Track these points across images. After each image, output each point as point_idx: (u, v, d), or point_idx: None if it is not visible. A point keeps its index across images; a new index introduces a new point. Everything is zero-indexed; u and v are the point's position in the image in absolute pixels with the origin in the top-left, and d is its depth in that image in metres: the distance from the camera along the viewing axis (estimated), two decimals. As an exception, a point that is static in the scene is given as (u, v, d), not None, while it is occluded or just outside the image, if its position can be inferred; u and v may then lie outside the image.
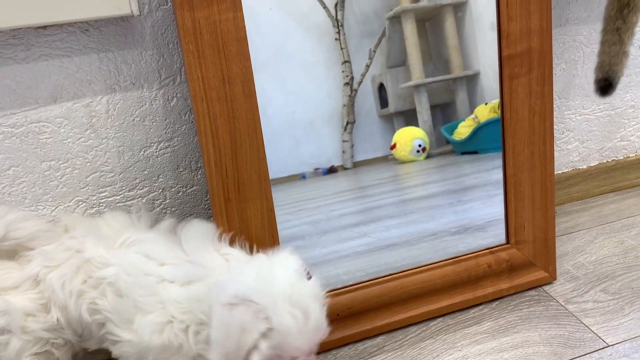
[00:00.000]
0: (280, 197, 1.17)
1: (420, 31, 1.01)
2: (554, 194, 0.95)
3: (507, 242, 0.96)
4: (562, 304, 0.95)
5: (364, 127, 1.04)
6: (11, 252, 0.71)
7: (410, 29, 1.01)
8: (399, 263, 0.97)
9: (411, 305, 0.92)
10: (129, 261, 0.66)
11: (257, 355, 0.56)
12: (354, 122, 1.03)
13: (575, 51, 1.14)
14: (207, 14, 0.72)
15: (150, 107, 0.89)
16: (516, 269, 0.96)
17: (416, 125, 1.05)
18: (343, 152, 1.11)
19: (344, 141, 1.03)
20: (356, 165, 1.13)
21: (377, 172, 1.18)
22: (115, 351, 0.68)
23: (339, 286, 0.92)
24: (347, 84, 1.00)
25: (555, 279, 1.00)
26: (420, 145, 1.11)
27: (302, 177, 1.13)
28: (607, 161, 1.28)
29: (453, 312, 0.95)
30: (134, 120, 0.89)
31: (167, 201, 0.95)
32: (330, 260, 1.04)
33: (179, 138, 0.92)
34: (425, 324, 0.93)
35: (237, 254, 0.68)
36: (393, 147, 1.12)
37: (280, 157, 1.08)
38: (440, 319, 0.94)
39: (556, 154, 1.21)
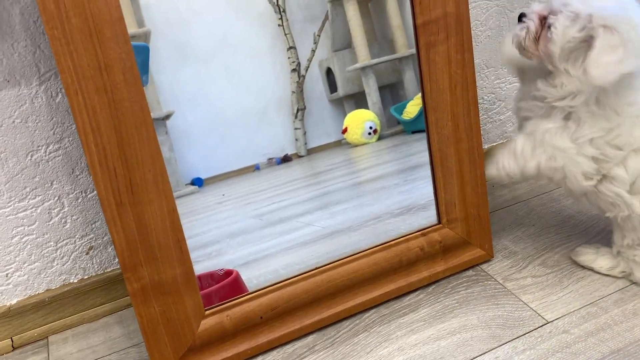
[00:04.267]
0: (230, 192, 1.11)
1: (364, 12, 0.98)
2: (484, 168, 0.90)
3: (439, 222, 0.91)
4: (501, 282, 0.90)
5: (315, 113, 1.04)
6: None
7: (352, 11, 0.98)
8: (339, 251, 0.92)
9: (342, 298, 0.86)
10: None
11: None
12: (305, 108, 1.02)
13: (500, 16, 1.09)
14: (72, -6, 0.63)
15: (32, 106, 0.79)
16: (451, 249, 0.91)
17: (366, 107, 1.03)
18: (296, 139, 1.08)
19: (296, 129, 1.01)
20: (310, 152, 1.10)
21: (330, 158, 1.16)
22: None
23: (265, 285, 0.84)
24: (294, 70, 0.98)
25: (493, 256, 0.96)
26: (371, 128, 1.09)
27: (256, 168, 1.09)
28: (542, 129, 1.24)
29: (387, 301, 0.89)
30: (14, 122, 0.79)
31: (66, 209, 0.86)
32: (271, 255, 1.00)
33: (70, 138, 0.83)
34: (359, 316, 0.87)
35: None
36: (344, 131, 1.09)
37: (233, 150, 1.03)
38: (374, 310, 0.88)
39: (489, 125, 1.17)
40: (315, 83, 1.04)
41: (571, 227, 1.02)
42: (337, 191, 1.14)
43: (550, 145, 0.79)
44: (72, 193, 0.86)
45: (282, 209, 1.12)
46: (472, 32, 1.02)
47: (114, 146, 0.68)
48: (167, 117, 1.03)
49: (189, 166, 1.10)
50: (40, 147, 0.81)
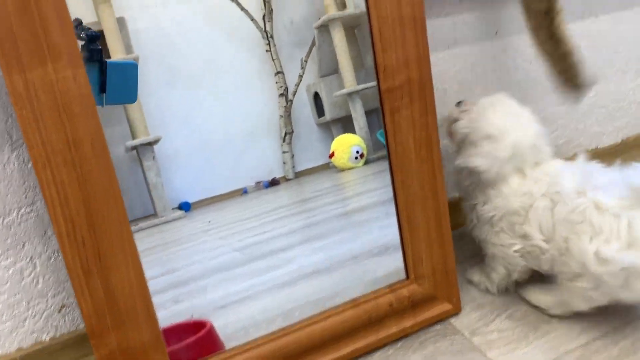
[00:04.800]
0: (216, 218, 1.12)
1: (350, 38, 1.01)
2: (449, 224, 0.92)
3: (407, 278, 0.93)
4: (468, 336, 0.92)
5: (303, 137, 1.06)
6: None
7: (339, 37, 1.01)
8: (317, 294, 0.94)
9: (312, 357, 0.87)
10: None
11: None
12: (292, 132, 1.04)
13: (468, 72, 1.12)
14: (42, 73, 0.65)
15: (4, 172, 0.81)
16: (419, 304, 0.93)
17: (353, 131, 1.05)
18: (284, 163, 1.10)
19: (284, 152, 1.03)
20: (298, 175, 1.12)
21: (317, 183, 1.17)
22: None
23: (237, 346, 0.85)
24: (282, 94, 1.00)
25: (461, 310, 0.97)
26: (358, 152, 1.10)
27: (244, 192, 1.10)
28: (512, 176, 1.27)
29: (357, 357, 0.90)
30: (-15, 187, 0.80)
31: (38, 269, 0.87)
32: (250, 296, 1.01)
33: (42, 201, 0.84)
34: (328, 374, 0.88)
35: None
36: (332, 155, 1.11)
37: (221, 173, 1.05)
38: (343, 368, 0.89)
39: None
40: (303, 107, 1.06)
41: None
42: (319, 223, 1.15)
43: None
44: (45, 253, 0.87)
45: (265, 242, 1.12)
46: (441, 86, 1.06)
47: (82, 217, 0.69)
48: (155, 142, 1.05)
49: (177, 190, 1.11)
50: (12, 211, 0.83)
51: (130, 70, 0.93)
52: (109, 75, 0.89)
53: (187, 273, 1.11)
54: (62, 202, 0.68)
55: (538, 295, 0.95)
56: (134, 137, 1.03)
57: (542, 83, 1.19)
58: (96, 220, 0.70)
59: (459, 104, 0.97)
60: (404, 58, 0.84)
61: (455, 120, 0.96)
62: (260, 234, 1.14)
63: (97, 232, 0.71)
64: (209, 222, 1.13)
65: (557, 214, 0.84)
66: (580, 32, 1.21)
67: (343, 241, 1.10)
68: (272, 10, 1.01)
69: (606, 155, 1.30)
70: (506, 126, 0.89)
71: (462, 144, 0.95)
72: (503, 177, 0.90)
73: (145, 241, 1.13)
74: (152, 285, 1.02)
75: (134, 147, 1.04)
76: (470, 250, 1.15)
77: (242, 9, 1.01)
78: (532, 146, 0.89)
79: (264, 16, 0.98)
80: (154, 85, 1.02)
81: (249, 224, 1.14)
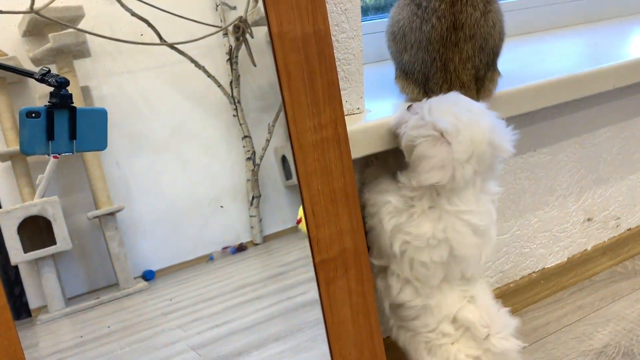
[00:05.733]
0: (179, 294, 1.10)
1: None
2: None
3: None
4: None
5: (271, 200, 1.04)
6: None
7: None
8: None
9: None
10: None
11: None
12: (260, 196, 1.02)
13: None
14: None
15: None
16: None
17: None
18: (251, 227, 1.08)
19: (251, 216, 1.02)
20: (266, 239, 1.10)
21: (284, 251, 1.14)
22: None
23: None
24: (249, 158, 0.99)
25: None
26: None
27: (210, 258, 1.07)
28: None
29: None
30: None
31: None
32: None
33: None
34: None
35: None
36: (299, 221, 1.09)
37: (187, 240, 1.03)
38: None
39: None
40: (271, 170, 1.04)
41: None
42: (279, 316, 1.10)
43: (378, 215, 0.86)
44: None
45: (223, 340, 1.07)
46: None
47: None
48: (118, 210, 1.03)
49: (141, 257, 1.08)
50: None
51: (100, 117, 0.92)
52: (79, 122, 0.88)
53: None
54: None
55: None
56: (96, 207, 1.01)
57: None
58: None
59: (409, 107, 0.85)
60: (337, 230, 0.82)
61: (404, 122, 0.84)
62: (220, 324, 1.10)
63: None
64: (170, 300, 1.10)
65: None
66: (520, 165, 1.19)
67: (299, 349, 1.07)
68: (239, 76, 1.00)
69: (554, 275, 1.30)
70: (460, 121, 0.78)
71: (410, 154, 0.82)
72: (465, 184, 0.80)
73: (102, 324, 1.09)
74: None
75: (97, 216, 1.04)
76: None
77: (209, 75, 1.00)
78: (489, 143, 0.79)
79: (231, 82, 0.97)
80: (117, 151, 1.00)
81: (210, 308, 1.11)
